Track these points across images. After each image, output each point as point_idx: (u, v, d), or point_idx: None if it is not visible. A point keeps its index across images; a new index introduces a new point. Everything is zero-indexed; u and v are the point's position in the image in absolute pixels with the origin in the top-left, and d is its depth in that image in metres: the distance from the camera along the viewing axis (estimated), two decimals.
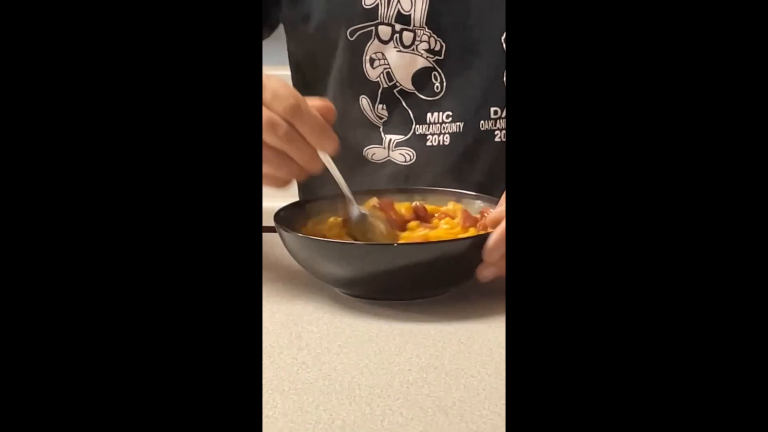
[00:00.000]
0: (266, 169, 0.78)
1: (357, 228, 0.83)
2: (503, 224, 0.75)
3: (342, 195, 0.84)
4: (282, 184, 0.81)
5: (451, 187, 0.92)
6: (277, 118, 0.76)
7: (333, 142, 0.79)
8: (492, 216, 0.78)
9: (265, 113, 0.76)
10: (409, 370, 0.67)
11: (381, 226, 0.83)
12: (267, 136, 0.76)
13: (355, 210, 0.84)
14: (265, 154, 0.77)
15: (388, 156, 1.00)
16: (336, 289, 0.82)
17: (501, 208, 0.78)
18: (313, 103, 0.79)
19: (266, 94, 0.76)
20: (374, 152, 1.00)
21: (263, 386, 0.64)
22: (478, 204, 0.87)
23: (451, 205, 0.87)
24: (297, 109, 0.77)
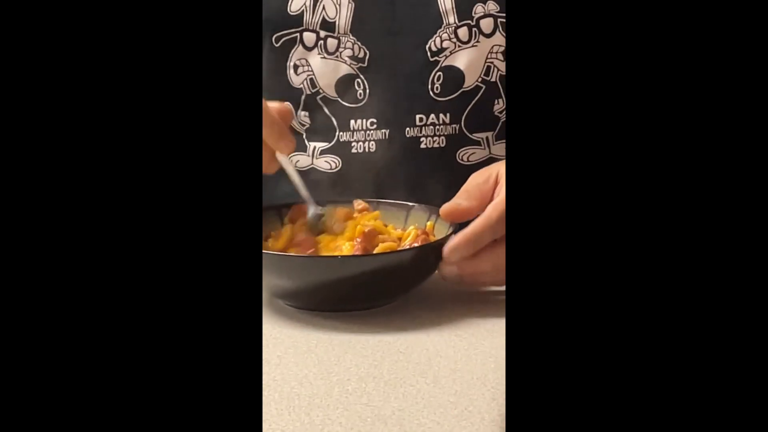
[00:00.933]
0: None
1: (313, 227, 0.84)
2: (470, 228, 0.77)
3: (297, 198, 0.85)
4: None
5: (381, 195, 0.92)
6: None
7: (290, 143, 0.81)
8: (445, 208, 0.80)
9: None
10: (348, 380, 0.67)
11: (337, 226, 0.84)
12: None
13: (312, 209, 0.84)
14: None
15: (312, 164, 1.00)
16: (279, 301, 0.82)
17: (455, 200, 0.80)
18: (272, 105, 0.80)
19: None
20: (298, 159, 1.00)
21: None
22: (427, 216, 0.87)
23: (411, 230, 0.87)
24: None
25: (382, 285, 0.78)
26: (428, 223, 0.85)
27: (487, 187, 0.80)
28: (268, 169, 0.80)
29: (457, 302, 0.82)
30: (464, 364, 0.69)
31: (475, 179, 0.81)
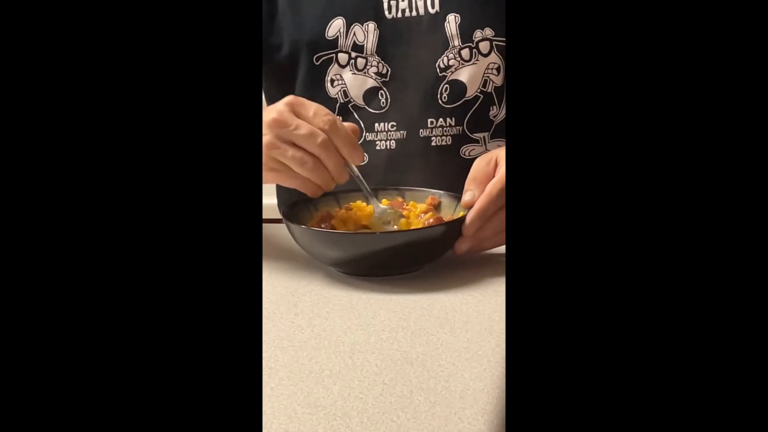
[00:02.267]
0: (305, 173, 0.82)
1: (378, 220, 0.88)
2: (477, 205, 0.82)
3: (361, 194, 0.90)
4: (314, 189, 0.84)
5: (400, 183, 0.98)
6: (317, 130, 0.80)
7: (360, 155, 0.84)
8: (465, 200, 0.84)
9: (307, 126, 0.80)
10: (383, 330, 0.70)
11: (397, 219, 0.88)
12: (308, 144, 0.80)
13: (378, 207, 0.88)
14: (305, 159, 0.81)
15: None
16: (330, 268, 0.85)
17: (470, 192, 0.85)
18: (347, 125, 0.84)
19: (308, 113, 0.81)
20: None
21: (268, 344, 0.67)
22: (450, 201, 0.90)
23: (421, 206, 0.90)
24: (334, 125, 0.81)
25: (411, 255, 0.81)
26: (456, 210, 0.89)
27: (489, 169, 0.84)
28: (339, 177, 0.83)
29: (469, 270, 0.84)
30: (474, 318, 0.72)
31: (479, 164, 0.86)
